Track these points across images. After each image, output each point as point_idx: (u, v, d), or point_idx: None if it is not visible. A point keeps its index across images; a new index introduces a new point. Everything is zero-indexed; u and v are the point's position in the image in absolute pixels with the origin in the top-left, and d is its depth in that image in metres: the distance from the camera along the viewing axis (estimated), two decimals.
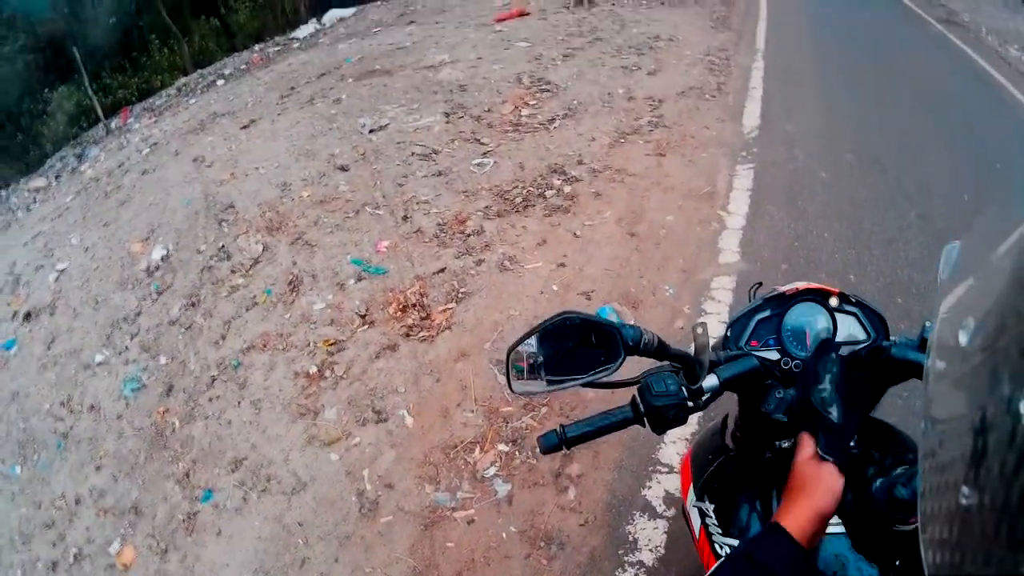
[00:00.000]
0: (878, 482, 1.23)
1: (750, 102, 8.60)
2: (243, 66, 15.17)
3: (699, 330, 1.36)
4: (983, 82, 9.55)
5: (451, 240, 6.11)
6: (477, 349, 4.81)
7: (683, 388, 1.32)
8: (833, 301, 1.49)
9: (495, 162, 7.40)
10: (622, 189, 6.61)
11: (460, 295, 5.38)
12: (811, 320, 1.50)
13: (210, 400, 5.17)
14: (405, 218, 6.57)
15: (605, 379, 1.28)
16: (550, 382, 1.32)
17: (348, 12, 17.65)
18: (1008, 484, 0.44)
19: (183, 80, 15.69)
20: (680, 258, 5.52)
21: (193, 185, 8.44)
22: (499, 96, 9.16)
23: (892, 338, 1.45)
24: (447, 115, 8.73)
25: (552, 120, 8.29)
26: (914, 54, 11.08)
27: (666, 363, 1.39)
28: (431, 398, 4.51)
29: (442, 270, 5.70)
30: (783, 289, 1.55)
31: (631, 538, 3.40)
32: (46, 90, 16.37)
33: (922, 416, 0.64)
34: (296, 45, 15.97)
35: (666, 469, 3.71)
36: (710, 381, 1.36)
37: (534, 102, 8.83)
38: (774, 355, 1.49)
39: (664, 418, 1.32)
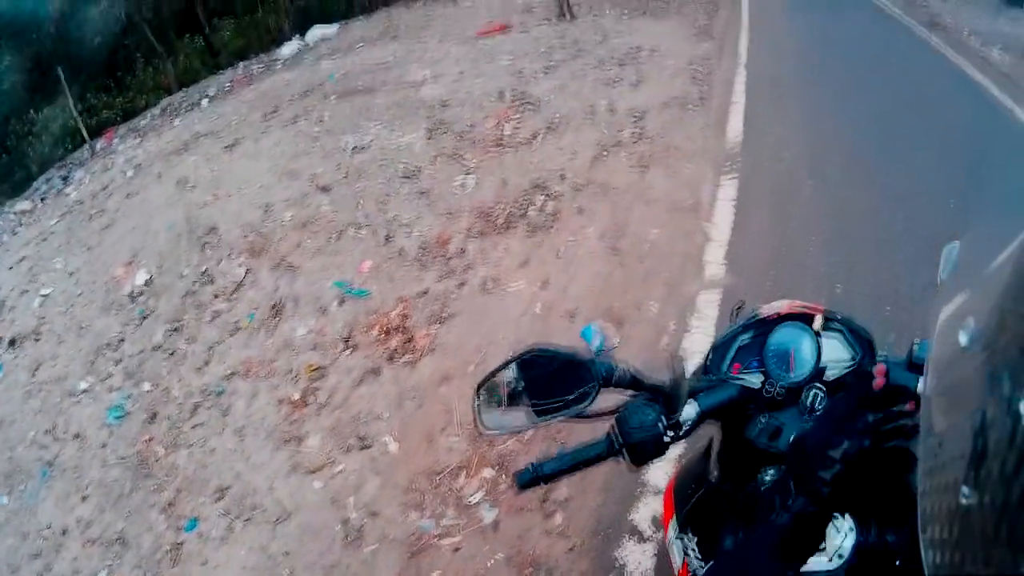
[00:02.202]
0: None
1: (733, 112, 8.51)
2: (227, 85, 15.11)
3: (675, 362, 1.31)
4: (967, 85, 9.50)
5: (433, 261, 6.06)
6: (461, 372, 4.76)
7: (661, 420, 1.27)
8: (817, 323, 1.44)
9: (477, 180, 7.35)
10: (605, 204, 6.54)
11: (443, 318, 5.33)
12: (795, 342, 1.44)
13: (193, 428, 5.15)
14: (387, 239, 6.53)
15: (579, 414, 1.24)
16: (525, 416, 1.29)
17: (331, 30, 17.55)
18: (1008, 484, 0.45)
19: (167, 100, 15.63)
20: (664, 273, 5.44)
21: (176, 208, 8.42)
22: (481, 112, 9.11)
23: (880, 355, 1.40)
24: (429, 132, 8.69)
25: (534, 135, 8.22)
26: (898, 59, 11.01)
27: (644, 393, 1.34)
28: (415, 423, 4.46)
29: (424, 292, 5.65)
30: (765, 313, 1.50)
31: (619, 563, 3.33)
32: (31, 111, 16.32)
33: (921, 417, 0.63)
34: (279, 64, 15.87)
35: (653, 491, 3.64)
36: (688, 412, 1.31)
37: (516, 117, 8.77)
38: (757, 379, 1.43)
39: (642, 451, 1.27)
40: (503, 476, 3.92)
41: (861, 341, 1.44)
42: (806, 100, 8.98)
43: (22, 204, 12.59)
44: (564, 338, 4.76)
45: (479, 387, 1.32)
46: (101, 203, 10.08)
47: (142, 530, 4.52)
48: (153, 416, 5.43)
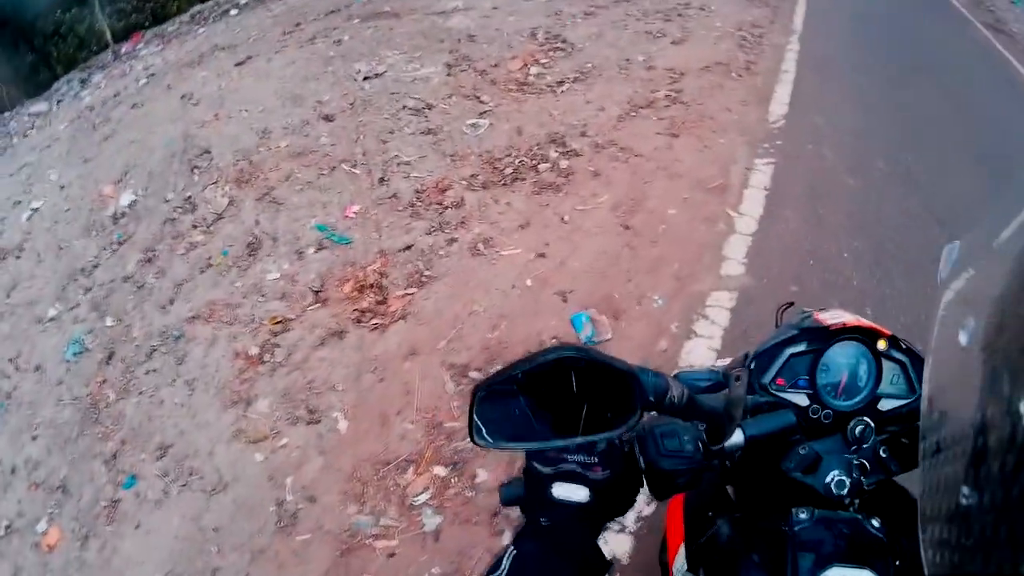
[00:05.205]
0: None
1: (780, 86, 7.73)
2: None
3: (737, 380, 1.19)
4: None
5: (426, 210, 5.56)
6: (430, 348, 4.30)
7: (701, 447, 1.08)
8: (881, 345, 1.24)
9: (491, 124, 6.76)
10: (624, 170, 5.91)
11: (424, 279, 4.85)
12: (852, 364, 1.25)
13: (147, 373, 4.88)
14: (382, 180, 6.04)
15: (610, 440, 1.05)
16: (536, 432, 0.97)
17: None
18: (1008, 484, 0.44)
19: (199, 7, 15.13)
20: (676, 262, 4.87)
21: (176, 124, 8.07)
22: (509, 51, 8.44)
23: None
24: (449, 67, 8.08)
25: (561, 83, 7.55)
26: (958, 60, 10.21)
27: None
28: (371, 401, 4.07)
29: (409, 247, 5.16)
30: (826, 321, 1.28)
31: None
32: (58, 11, 15.98)
33: (921, 417, 0.62)
34: None
35: (617, 527, 3.19)
36: (735, 439, 1.12)
37: (545, 61, 8.09)
38: (803, 400, 1.24)
39: (670, 482, 1.07)
40: (455, 478, 3.56)
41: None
42: (858, 88, 8.15)
43: (39, 105, 12.33)
44: (552, 320, 4.44)
45: (482, 385, 0.98)
46: (108, 112, 9.76)
47: (84, 480, 4.37)
48: (110, 356, 5.17)
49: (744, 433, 1.13)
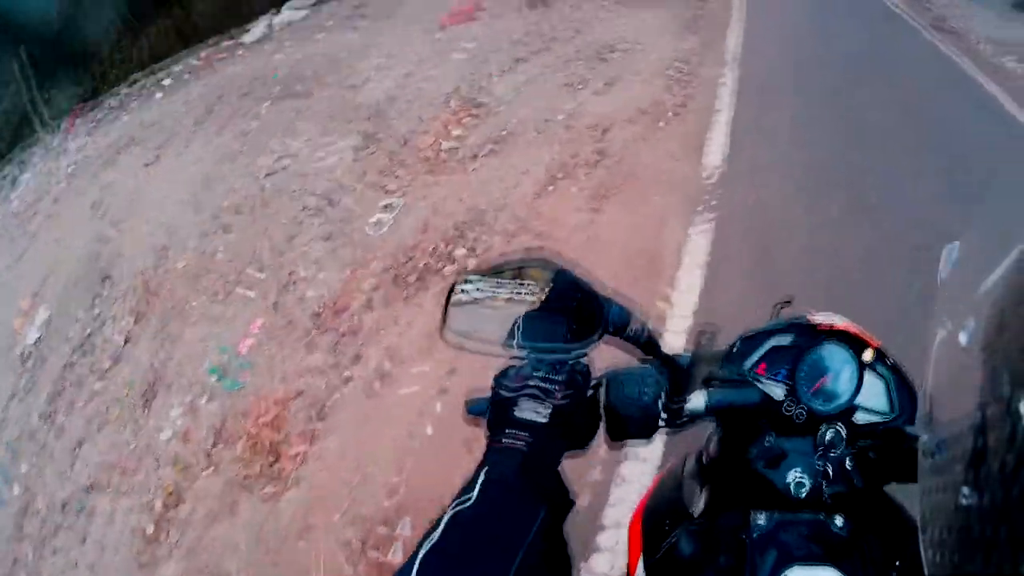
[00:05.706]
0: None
1: (714, 129, 7.18)
2: (187, 74, 14.28)
3: (704, 337, 1.21)
4: (983, 101, 8.33)
5: (322, 337, 5.10)
6: (325, 522, 3.77)
7: (661, 398, 1.09)
8: (868, 355, 1.23)
9: (396, 219, 6.28)
10: None
11: (317, 433, 4.36)
12: (835, 368, 1.22)
13: (54, 553, 4.70)
14: (276, 305, 5.62)
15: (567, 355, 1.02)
16: (502, 334, 1.03)
17: (301, 13, 16.56)
18: (1008, 484, 0.45)
19: (128, 89, 14.87)
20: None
21: (84, 240, 8.03)
22: (420, 124, 8.04)
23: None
24: (357, 150, 7.71)
25: (475, 156, 7.08)
26: (904, 68, 9.73)
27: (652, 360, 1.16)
28: None
29: (301, 392, 4.68)
30: (817, 319, 1.29)
31: None
32: None
33: (921, 416, 0.68)
34: (241, 50, 14.90)
35: None
36: (695, 401, 1.15)
37: (458, 132, 7.68)
38: (780, 392, 1.23)
39: (626, 427, 1.09)
40: None
41: (904, 398, 1.25)
42: (803, 118, 7.42)
43: None
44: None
45: (464, 277, 1.08)
46: (27, 222, 9.72)
47: None
48: (20, 531, 5.05)
49: (706, 400, 1.16)
